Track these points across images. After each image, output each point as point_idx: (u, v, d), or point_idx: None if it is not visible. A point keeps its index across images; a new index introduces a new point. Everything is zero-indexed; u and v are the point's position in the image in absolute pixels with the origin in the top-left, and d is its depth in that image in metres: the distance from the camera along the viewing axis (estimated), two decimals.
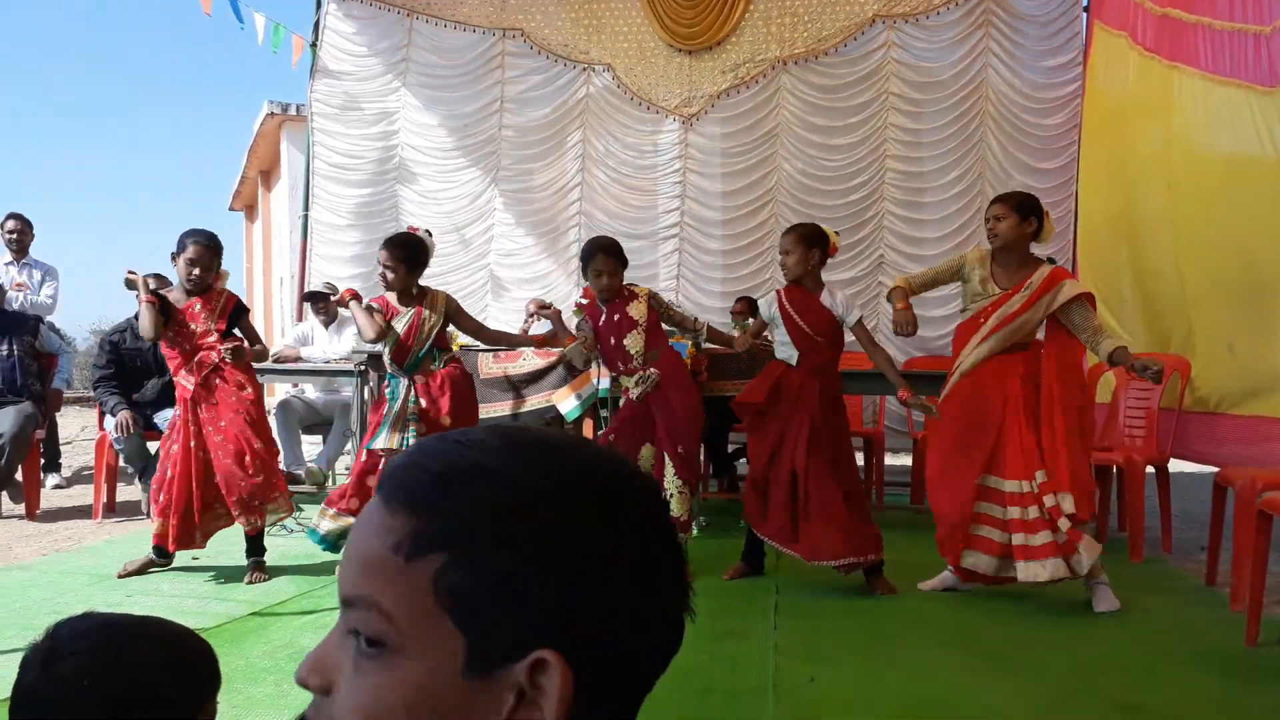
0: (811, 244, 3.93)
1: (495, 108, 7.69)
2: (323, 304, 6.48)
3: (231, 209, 18.15)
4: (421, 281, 4.22)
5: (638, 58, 7.53)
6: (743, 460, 5.72)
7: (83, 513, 5.36)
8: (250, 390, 4.06)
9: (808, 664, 2.99)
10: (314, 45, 7.80)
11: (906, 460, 6.42)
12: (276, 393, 7.58)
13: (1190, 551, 4.63)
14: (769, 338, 4.26)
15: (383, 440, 4.01)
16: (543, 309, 4.71)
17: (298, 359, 6.26)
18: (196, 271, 3.96)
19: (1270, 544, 3.25)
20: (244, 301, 4.24)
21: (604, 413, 5.25)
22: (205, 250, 3.98)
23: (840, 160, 7.25)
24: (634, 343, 4.19)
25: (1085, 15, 6.94)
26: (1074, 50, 7.01)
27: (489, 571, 0.57)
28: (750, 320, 6.21)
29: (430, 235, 4.30)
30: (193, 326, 3.98)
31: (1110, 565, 4.23)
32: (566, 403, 5.31)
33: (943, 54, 7.19)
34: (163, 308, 3.93)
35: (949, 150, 7.16)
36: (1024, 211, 3.70)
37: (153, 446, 5.68)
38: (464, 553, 0.57)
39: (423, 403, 4.07)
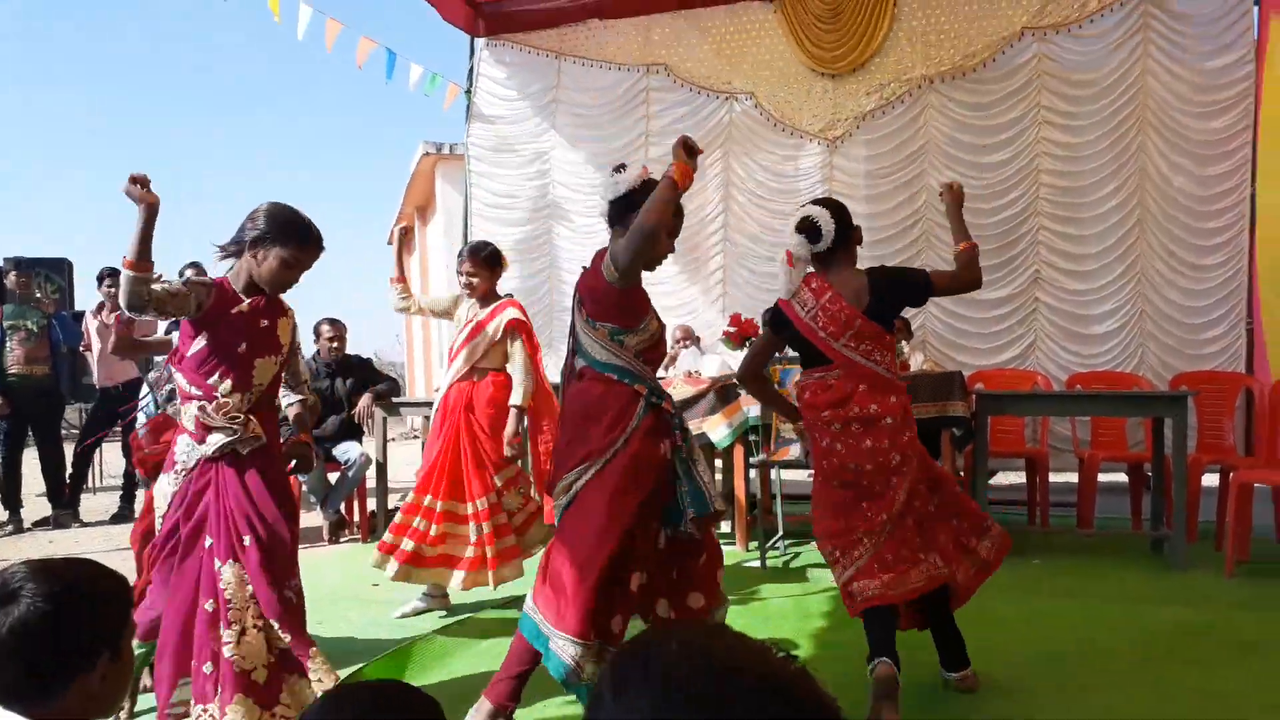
0: (494, 265, 4.51)
1: (640, 142, 7.88)
2: None
3: (388, 243, 19.18)
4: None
5: (779, 83, 7.57)
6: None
7: None
8: None
9: None
10: (469, 91, 8.19)
11: (1072, 478, 6.15)
12: None
13: None
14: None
15: None
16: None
17: None
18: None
19: None
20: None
21: (754, 438, 5.31)
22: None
23: (991, 177, 7.09)
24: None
25: (1257, 8, 6.58)
26: (1244, 47, 6.63)
27: None
28: (904, 343, 6.16)
29: None
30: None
31: None
32: (718, 430, 5.40)
33: (1096, 63, 6.92)
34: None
35: (1106, 161, 6.88)
36: (492, 264, 4.44)
37: (332, 478, 6.09)
38: None
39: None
